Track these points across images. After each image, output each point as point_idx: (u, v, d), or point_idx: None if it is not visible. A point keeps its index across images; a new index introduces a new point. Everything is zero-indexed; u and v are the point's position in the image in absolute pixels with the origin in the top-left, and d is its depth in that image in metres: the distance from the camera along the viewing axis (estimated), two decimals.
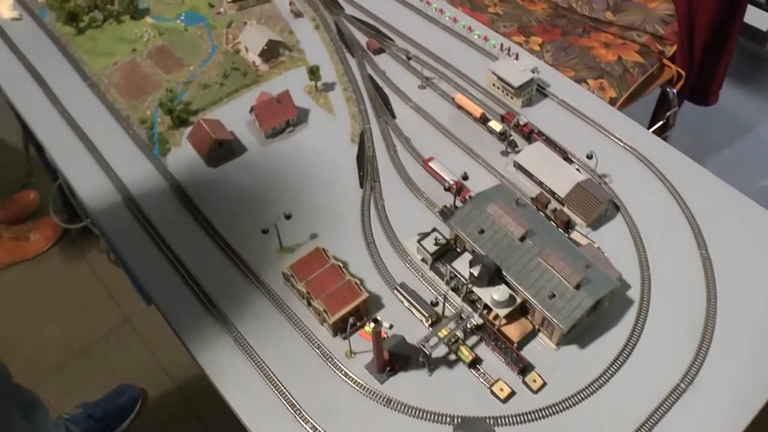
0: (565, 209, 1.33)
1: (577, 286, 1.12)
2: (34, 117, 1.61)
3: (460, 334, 1.16)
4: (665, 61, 2.28)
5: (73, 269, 2.70)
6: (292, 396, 1.11)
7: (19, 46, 1.76)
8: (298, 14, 1.79)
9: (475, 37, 1.69)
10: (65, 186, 1.47)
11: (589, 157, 1.36)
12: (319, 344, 1.17)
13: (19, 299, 2.61)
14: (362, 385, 1.11)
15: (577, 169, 1.38)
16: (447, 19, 1.73)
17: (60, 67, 1.70)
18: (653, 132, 2.32)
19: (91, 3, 1.76)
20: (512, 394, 1.10)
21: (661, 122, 2.32)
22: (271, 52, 1.62)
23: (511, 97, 1.53)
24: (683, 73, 2.27)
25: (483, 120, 1.49)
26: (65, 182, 1.48)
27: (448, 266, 1.21)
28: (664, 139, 2.43)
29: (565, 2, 2.51)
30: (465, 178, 1.36)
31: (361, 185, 1.40)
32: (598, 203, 1.30)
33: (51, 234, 2.76)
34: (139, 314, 2.53)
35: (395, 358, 1.13)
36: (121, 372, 2.39)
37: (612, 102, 2.11)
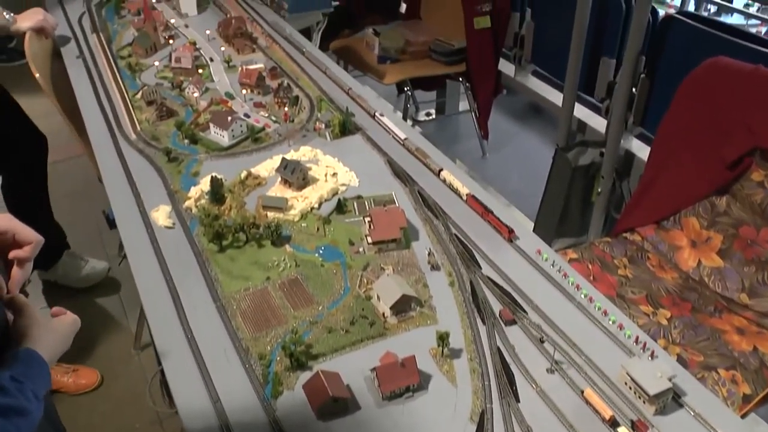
0: None
1: None
2: (157, 321, 1.64)
3: None
4: None
5: None
6: None
7: (164, 252, 1.84)
8: (435, 267, 1.77)
9: (610, 323, 1.62)
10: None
11: None
12: None
13: None
14: None
15: None
16: (582, 296, 1.69)
17: (195, 280, 1.75)
18: None
19: (238, 225, 1.83)
20: None
21: None
22: (403, 305, 1.61)
23: (644, 402, 1.44)
24: None
25: (612, 423, 1.39)
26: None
27: None
28: None
29: (697, 275, 2.44)
30: None
31: None
32: None
33: None
34: None
35: None
36: None
37: (746, 399, 1.97)
